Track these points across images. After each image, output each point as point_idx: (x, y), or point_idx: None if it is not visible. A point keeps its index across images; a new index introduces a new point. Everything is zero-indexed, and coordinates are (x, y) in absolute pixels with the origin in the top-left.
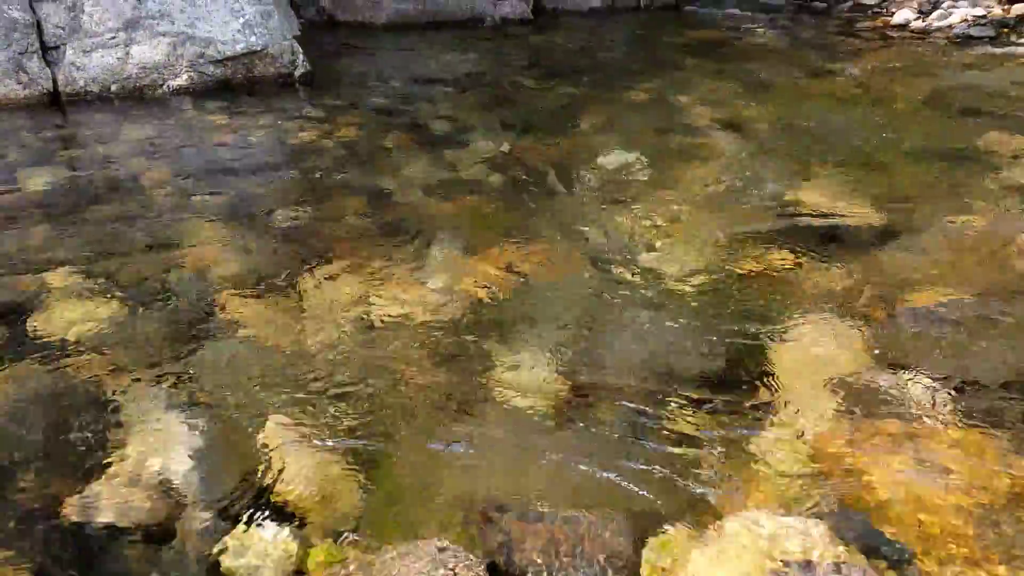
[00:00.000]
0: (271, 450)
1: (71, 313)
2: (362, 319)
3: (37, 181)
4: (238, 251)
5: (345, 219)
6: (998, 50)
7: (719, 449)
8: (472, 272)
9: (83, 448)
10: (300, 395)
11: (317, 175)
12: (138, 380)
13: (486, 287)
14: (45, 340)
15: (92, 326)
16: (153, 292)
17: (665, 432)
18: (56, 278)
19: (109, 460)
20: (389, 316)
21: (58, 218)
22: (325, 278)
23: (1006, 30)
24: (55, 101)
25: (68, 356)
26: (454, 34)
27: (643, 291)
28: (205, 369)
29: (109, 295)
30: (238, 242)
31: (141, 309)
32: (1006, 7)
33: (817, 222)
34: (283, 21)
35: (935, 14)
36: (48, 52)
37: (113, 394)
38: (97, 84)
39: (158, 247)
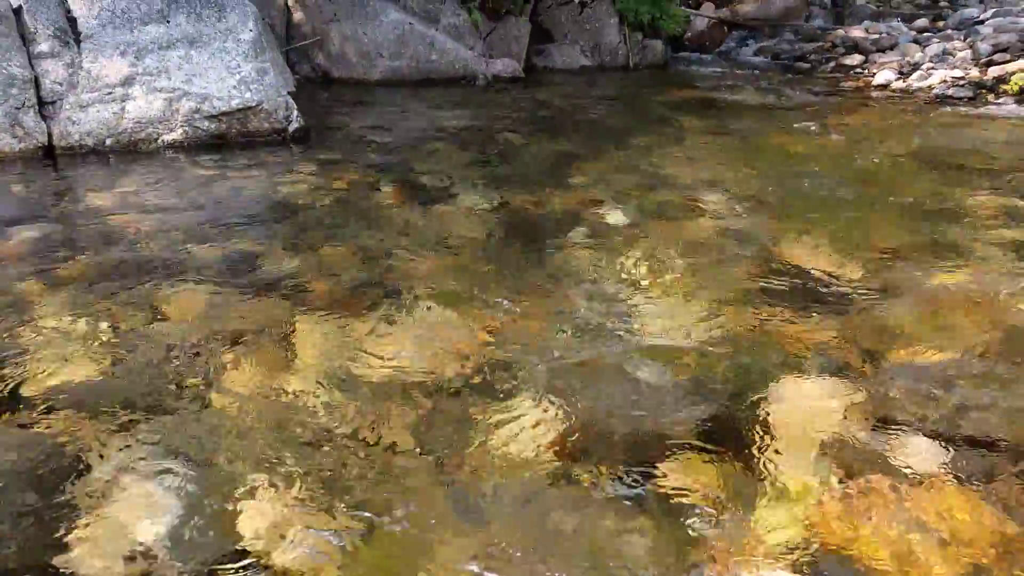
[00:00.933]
0: (253, 515)
1: (50, 368)
2: (348, 377)
3: (25, 235)
4: (224, 305)
5: (334, 274)
6: (977, 110)
7: (709, 509)
8: (461, 328)
9: (57, 511)
10: (284, 455)
11: (307, 229)
12: (116, 439)
13: (475, 344)
14: (22, 396)
15: (71, 382)
16: (135, 347)
17: (655, 492)
18: (37, 333)
19: (84, 523)
20: (376, 373)
21: (44, 272)
22: (312, 334)
23: (984, 91)
24: (49, 155)
25: (44, 413)
26: (446, 91)
27: (631, 348)
28: (186, 428)
29: (90, 350)
30: (225, 296)
31: (122, 364)
32: (983, 69)
33: (803, 278)
34: (278, 78)
35: (915, 75)
36: (44, 107)
37: (89, 453)
38: (92, 138)
39: (143, 301)
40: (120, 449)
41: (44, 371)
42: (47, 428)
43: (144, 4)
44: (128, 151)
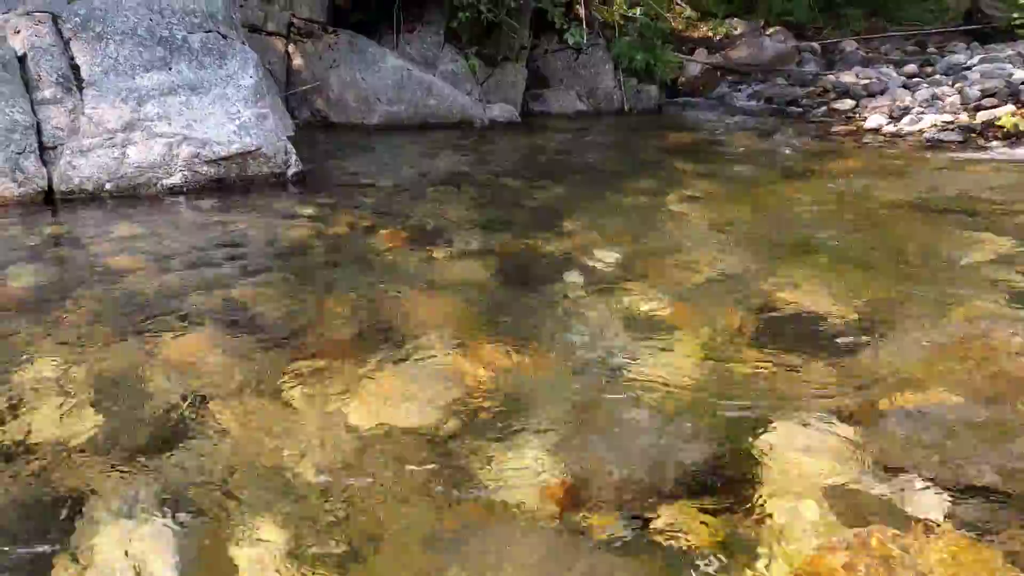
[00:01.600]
0: (247, 563)
1: (45, 414)
2: (346, 423)
3: (23, 279)
4: (221, 351)
5: (331, 319)
6: (967, 154)
7: (707, 558)
8: (460, 372)
9: (48, 559)
10: (280, 505)
11: (303, 274)
12: (109, 487)
13: (474, 388)
14: (16, 441)
15: (66, 428)
16: (132, 393)
17: (651, 540)
18: (32, 377)
19: (78, 571)
20: (374, 419)
21: (41, 316)
22: (310, 380)
23: (974, 135)
24: (49, 199)
25: (37, 461)
26: (444, 135)
27: (627, 392)
28: (182, 476)
29: (86, 396)
30: (222, 342)
31: (118, 411)
32: (972, 114)
33: (799, 322)
34: (278, 123)
35: (905, 119)
36: (45, 152)
37: (84, 501)
38: (92, 183)
39: (140, 347)
40: (113, 497)
41: (37, 418)
42: (40, 476)
43: (147, 52)
44: (127, 195)
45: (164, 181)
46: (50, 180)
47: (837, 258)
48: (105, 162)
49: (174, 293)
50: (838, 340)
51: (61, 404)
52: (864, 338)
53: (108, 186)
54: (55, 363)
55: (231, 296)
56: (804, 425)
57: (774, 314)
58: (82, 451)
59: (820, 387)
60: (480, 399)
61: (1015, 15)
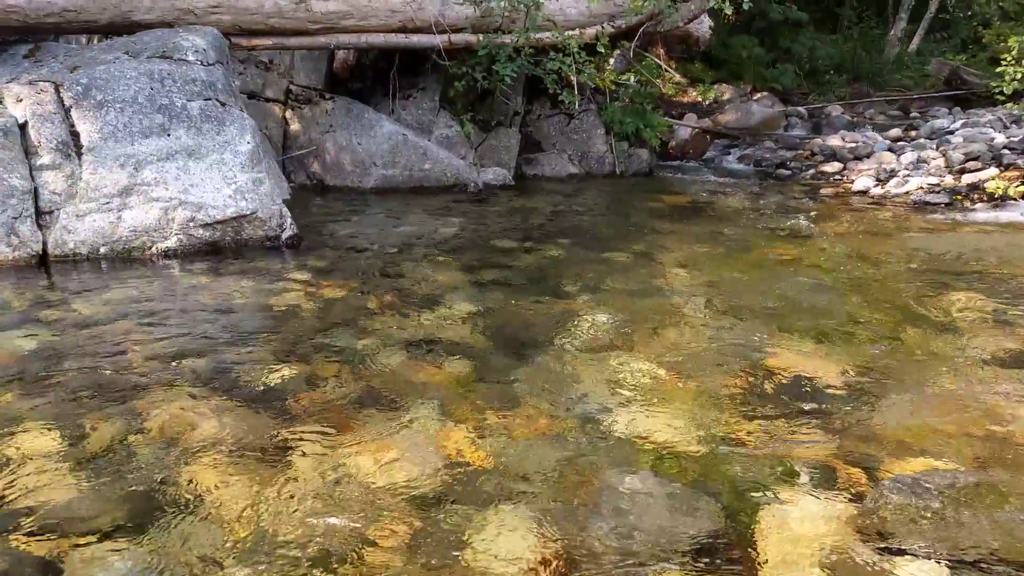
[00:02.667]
0: None
1: (31, 484)
2: (336, 490)
3: (14, 343)
4: (212, 417)
5: (323, 384)
6: (954, 216)
7: None
8: (451, 438)
9: None
10: (268, 572)
11: (296, 338)
12: (97, 558)
13: (464, 454)
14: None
15: (51, 498)
16: (120, 460)
17: None
18: (20, 443)
19: None
20: (362, 486)
21: (30, 381)
22: (299, 446)
23: (959, 197)
24: (43, 263)
25: (23, 531)
26: (439, 198)
27: (621, 458)
28: (169, 545)
29: (74, 462)
30: (212, 407)
31: (106, 479)
32: (957, 176)
33: (793, 386)
34: (273, 187)
35: (892, 182)
36: (41, 216)
37: (68, 572)
38: (87, 246)
39: (130, 412)
40: (101, 569)
41: (24, 486)
42: (25, 547)
43: (146, 119)
44: (122, 259)
45: (159, 245)
46: (45, 244)
47: (829, 321)
48: (101, 226)
49: (165, 358)
50: (832, 406)
51: (45, 472)
52: (858, 403)
53: (103, 250)
54: (41, 429)
55: (222, 361)
56: (800, 494)
57: (767, 379)
58: (66, 520)
59: (815, 455)
60: (470, 465)
61: (994, 83)
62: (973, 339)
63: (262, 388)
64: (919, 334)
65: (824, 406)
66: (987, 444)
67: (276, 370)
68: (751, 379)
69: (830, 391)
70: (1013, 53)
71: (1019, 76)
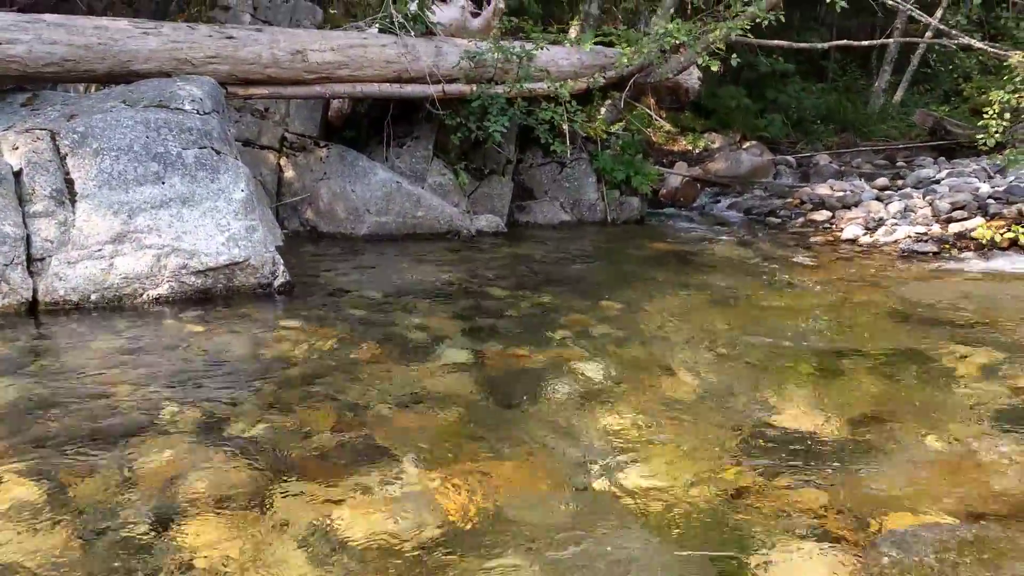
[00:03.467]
0: None
1: (14, 538)
2: (327, 544)
3: (1, 392)
4: (200, 468)
5: (313, 434)
6: (943, 265)
7: None
8: (443, 491)
9: None
10: None
11: (286, 387)
12: None
13: (458, 508)
14: None
15: (36, 552)
16: (105, 514)
17: None
18: (1, 497)
19: None
20: (352, 538)
21: (15, 432)
22: (289, 498)
23: (947, 245)
24: (32, 310)
25: None
26: (432, 245)
27: (614, 511)
28: None
29: (56, 516)
30: (201, 459)
31: (90, 533)
32: (944, 225)
33: (786, 438)
34: (267, 234)
35: (881, 231)
36: (33, 263)
37: None
38: (77, 294)
39: (115, 464)
40: None
41: (7, 541)
42: None
43: (141, 167)
44: (112, 306)
45: (150, 292)
46: (35, 291)
47: (821, 372)
48: (92, 273)
49: (154, 408)
50: (827, 459)
51: (31, 525)
52: (853, 457)
53: (93, 297)
54: (27, 481)
55: (212, 411)
56: (797, 550)
57: (760, 432)
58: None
59: (811, 509)
60: (463, 518)
61: (978, 135)
62: (966, 391)
63: (251, 439)
64: (912, 386)
65: (819, 459)
66: (981, 497)
67: (265, 420)
68: (744, 431)
69: (825, 444)
70: (995, 107)
71: (1001, 129)
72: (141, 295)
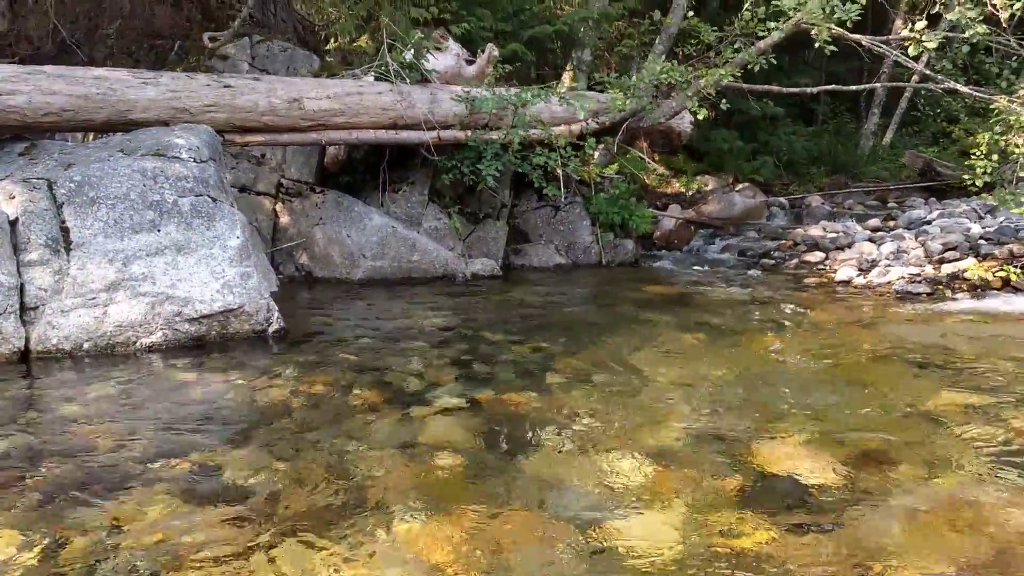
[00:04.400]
0: None
1: None
2: None
3: None
4: (188, 522)
5: (306, 484)
6: (937, 306)
7: None
8: (440, 543)
9: None
10: None
11: (279, 437)
12: None
13: (451, 559)
14: None
15: None
16: (97, 571)
17: None
18: None
19: None
20: None
21: (4, 485)
22: (282, 552)
23: (940, 286)
24: (24, 359)
25: None
26: (427, 289)
27: (612, 567)
28: None
29: (45, 572)
30: (189, 512)
31: None
32: (936, 266)
33: (785, 486)
34: (262, 280)
35: (874, 272)
36: (26, 312)
37: None
38: (70, 342)
39: (104, 516)
40: None
41: None
42: None
43: (137, 215)
44: (105, 354)
45: (143, 340)
46: (28, 340)
47: (817, 416)
48: (86, 322)
49: (145, 459)
50: (825, 507)
51: None
52: (851, 504)
53: (86, 345)
54: (13, 535)
55: (204, 462)
56: None
57: (757, 478)
58: None
59: (809, 559)
60: (458, 571)
61: (967, 176)
62: (964, 434)
63: (243, 490)
64: (910, 429)
65: (817, 506)
66: (984, 546)
67: (259, 471)
68: (743, 479)
69: (823, 491)
70: (983, 148)
71: (990, 170)
72: (134, 343)
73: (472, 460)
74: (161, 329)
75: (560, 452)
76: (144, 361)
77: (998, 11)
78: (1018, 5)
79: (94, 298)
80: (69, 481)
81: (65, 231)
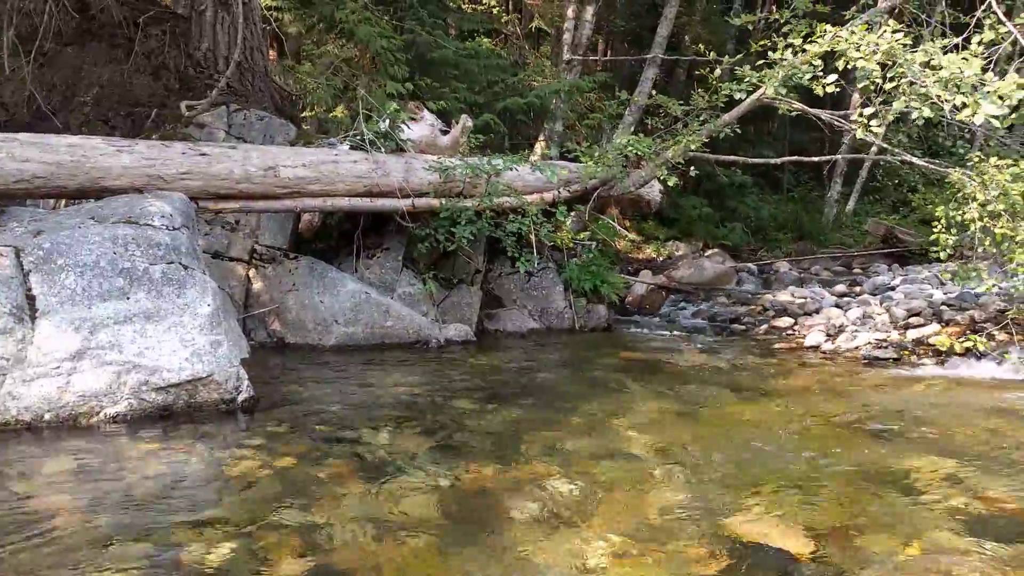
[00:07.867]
0: None
1: None
2: None
3: None
4: None
5: (274, 563)
6: (903, 372)
7: None
8: None
9: None
10: None
11: (245, 513)
12: None
13: None
14: None
15: None
16: None
17: None
18: None
19: None
20: None
21: None
22: None
23: (906, 352)
24: None
25: None
26: (400, 355)
27: None
28: None
29: None
30: None
31: None
32: (902, 332)
33: (760, 558)
34: (232, 347)
35: (842, 337)
36: None
37: None
38: (30, 413)
39: None
40: None
41: None
42: None
43: (107, 282)
44: (66, 426)
45: (108, 410)
46: None
47: (789, 485)
48: (48, 392)
49: (103, 540)
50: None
51: None
52: (824, 573)
53: (47, 416)
54: None
55: (162, 543)
56: None
57: (733, 549)
58: None
59: None
60: None
61: (932, 249)
62: (933, 502)
63: (207, 569)
64: (881, 498)
65: None
66: None
67: (222, 548)
68: (717, 549)
69: (797, 561)
70: (942, 222)
71: (950, 242)
72: (98, 413)
73: (444, 536)
74: (127, 399)
75: (534, 526)
76: (107, 432)
77: (942, 101)
78: (958, 99)
79: (58, 367)
80: (20, 565)
81: (31, 299)
